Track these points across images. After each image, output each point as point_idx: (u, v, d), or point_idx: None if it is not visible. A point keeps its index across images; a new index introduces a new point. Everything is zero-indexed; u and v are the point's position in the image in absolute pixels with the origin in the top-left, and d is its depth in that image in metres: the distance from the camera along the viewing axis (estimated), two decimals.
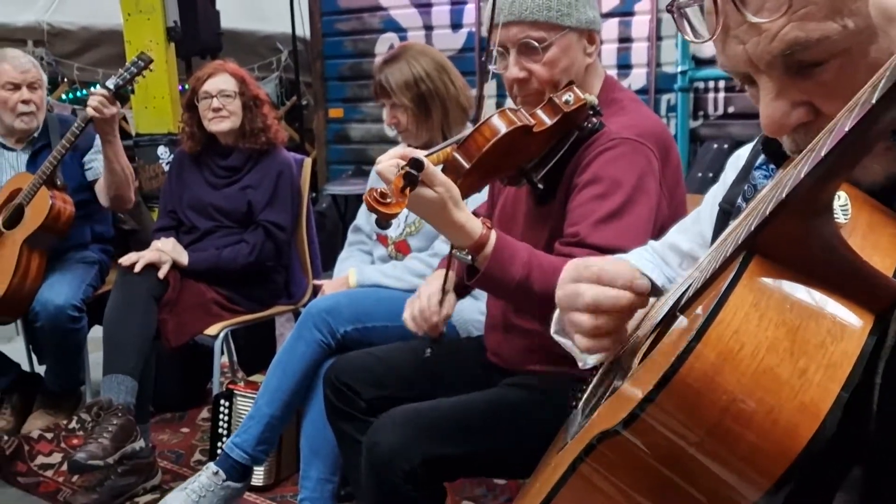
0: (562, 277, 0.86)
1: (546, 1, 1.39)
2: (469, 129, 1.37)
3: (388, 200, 1.16)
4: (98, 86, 5.25)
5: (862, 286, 0.53)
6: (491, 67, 1.43)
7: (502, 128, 1.31)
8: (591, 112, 1.37)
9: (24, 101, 2.76)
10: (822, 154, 0.47)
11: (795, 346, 0.50)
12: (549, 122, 1.35)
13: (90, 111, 2.52)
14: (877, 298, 0.53)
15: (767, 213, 0.52)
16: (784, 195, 0.50)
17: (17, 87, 2.75)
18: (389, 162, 1.28)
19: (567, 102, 1.35)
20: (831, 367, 0.49)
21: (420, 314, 1.52)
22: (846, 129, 0.46)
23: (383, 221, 1.19)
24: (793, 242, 0.53)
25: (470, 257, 1.30)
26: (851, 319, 0.52)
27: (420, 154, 1.24)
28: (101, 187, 2.80)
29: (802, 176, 0.49)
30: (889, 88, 0.43)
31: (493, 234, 1.30)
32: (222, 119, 2.55)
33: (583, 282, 0.82)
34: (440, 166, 1.28)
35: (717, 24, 0.68)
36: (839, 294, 0.53)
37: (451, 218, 1.25)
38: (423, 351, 1.54)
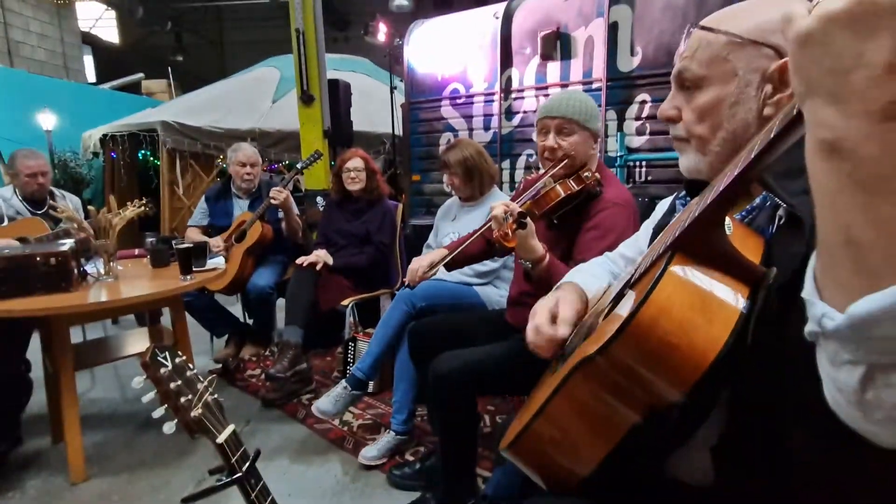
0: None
1: (580, 110, 1.39)
2: (533, 191, 1.39)
3: (509, 239, 1.17)
4: (283, 170, 5.41)
5: (741, 270, 0.52)
6: (537, 140, 1.42)
7: (562, 192, 1.35)
8: (595, 183, 1.38)
9: (247, 174, 2.85)
10: (721, 189, 0.46)
11: (705, 304, 0.49)
12: (576, 188, 1.36)
13: (272, 200, 2.63)
14: (750, 277, 0.51)
15: (686, 224, 0.51)
16: (697, 213, 0.49)
17: (244, 164, 2.84)
18: (501, 208, 1.26)
19: (587, 177, 1.36)
20: (727, 317, 0.48)
21: (409, 272, 1.50)
22: (735, 173, 0.45)
23: (502, 252, 1.17)
24: (702, 243, 0.52)
25: (531, 265, 1.27)
26: (737, 289, 0.50)
27: (517, 208, 1.23)
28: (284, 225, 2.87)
29: (709, 202, 0.48)
30: (760, 151, 0.42)
31: (548, 255, 1.28)
32: (356, 183, 2.60)
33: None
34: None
35: None
36: (729, 275, 0.52)
37: (531, 243, 1.24)
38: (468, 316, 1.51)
